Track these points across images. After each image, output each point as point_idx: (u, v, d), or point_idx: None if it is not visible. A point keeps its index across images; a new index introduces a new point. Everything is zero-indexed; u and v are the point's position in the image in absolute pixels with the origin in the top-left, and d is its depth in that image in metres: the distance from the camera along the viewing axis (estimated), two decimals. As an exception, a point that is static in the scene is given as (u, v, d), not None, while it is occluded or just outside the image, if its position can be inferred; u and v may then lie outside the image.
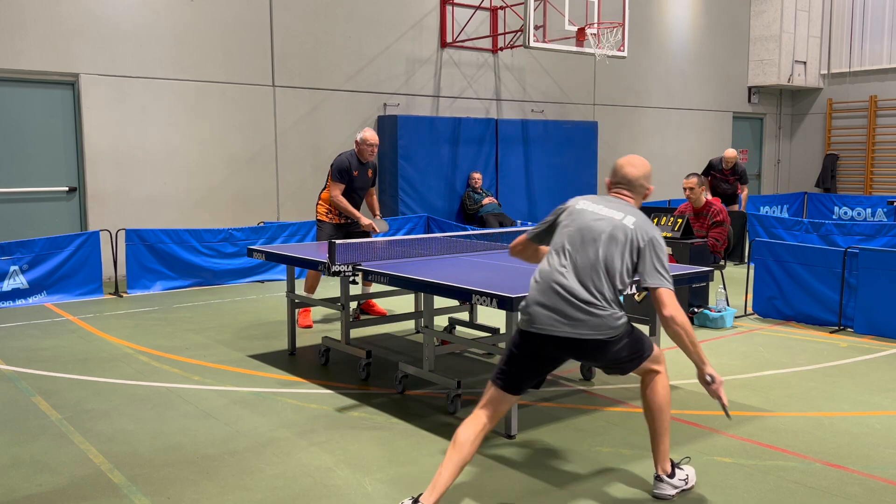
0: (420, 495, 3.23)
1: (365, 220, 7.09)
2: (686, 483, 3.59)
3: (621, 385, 5.29)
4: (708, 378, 3.30)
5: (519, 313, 3.52)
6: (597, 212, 3.46)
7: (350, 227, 7.20)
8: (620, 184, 3.60)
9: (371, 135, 7.08)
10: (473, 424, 3.36)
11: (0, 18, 8.94)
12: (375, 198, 7.54)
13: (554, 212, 3.63)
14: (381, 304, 7.77)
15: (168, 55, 10.05)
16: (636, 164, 3.62)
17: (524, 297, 3.64)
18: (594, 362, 3.54)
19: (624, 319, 3.41)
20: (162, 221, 10.04)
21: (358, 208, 7.30)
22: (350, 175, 7.09)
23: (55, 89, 9.52)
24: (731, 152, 11.50)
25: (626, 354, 3.43)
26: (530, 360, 3.41)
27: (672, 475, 3.55)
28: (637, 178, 3.58)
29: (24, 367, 5.78)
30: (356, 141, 7.13)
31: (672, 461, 3.60)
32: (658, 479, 3.56)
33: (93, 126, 9.61)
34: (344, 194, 7.14)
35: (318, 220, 7.26)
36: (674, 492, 3.54)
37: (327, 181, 7.19)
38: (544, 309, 3.33)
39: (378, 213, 7.51)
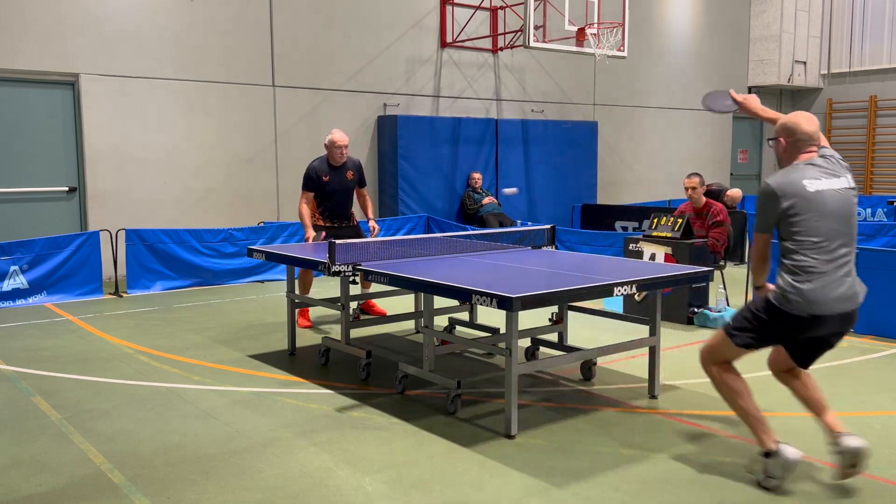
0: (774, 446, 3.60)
1: (310, 233, 6.93)
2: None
3: (621, 385, 5.28)
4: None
5: (797, 301, 3.47)
6: (831, 188, 3.53)
7: (338, 230, 7.15)
8: (810, 141, 3.61)
9: (339, 136, 6.95)
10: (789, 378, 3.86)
11: (0, 18, 8.95)
12: (368, 199, 7.41)
13: (771, 202, 3.50)
14: (381, 305, 7.76)
15: (168, 55, 10.05)
16: (810, 119, 3.67)
17: (522, 296, 3.61)
18: (845, 332, 3.69)
19: None
20: (162, 221, 10.04)
21: (345, 212, 7.19)
22: (318, 182, 6.98)
23: (55, 89, 9.52)
24: (736, 192, 9.68)
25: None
26: (810, 339, 3.65)
27: None
28: (816, 131, 3.66)
29: (24, 367, 5.78)
30: (325, 144, 7.05)
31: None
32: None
33: (93, 126, 9.61)
34: (321, 200, 7.07)
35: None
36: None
37: None
38: (840, 300, 3.48)
39: (371, 216, 7.36)
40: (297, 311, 6.88)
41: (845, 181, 3.56)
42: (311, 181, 6.99)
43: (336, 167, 7.05)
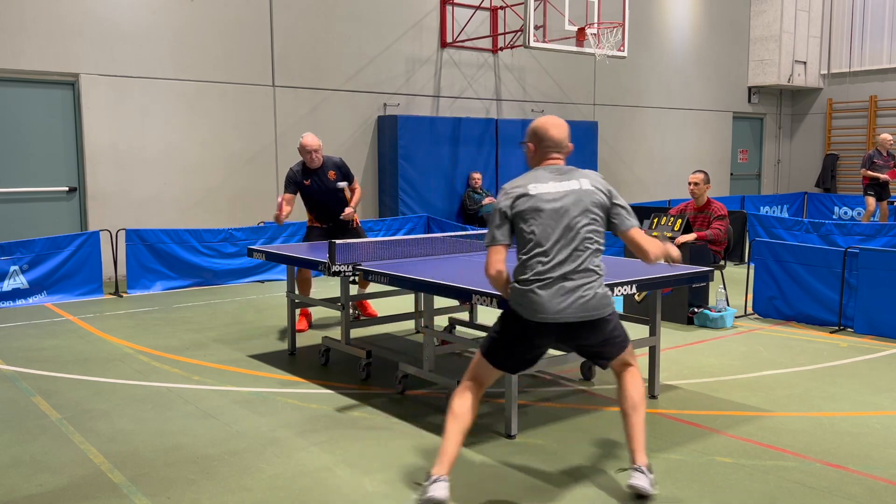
0: (431, 469, 3.36)
1: (279, 212, 6.75)
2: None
3: (621, 385, 5.28)
4: None
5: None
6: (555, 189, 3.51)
7: (336, 230, 7.13)
8: (556, 148, 3.59)
9: (308, 140, 6.81)
10: None
11: (0, 18, 8.94)
12: (356, 192, 7.23)
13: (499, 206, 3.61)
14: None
15: (168, 55, 10.05)
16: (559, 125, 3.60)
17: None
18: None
19: None
20: (162, 221, 10.05)
21: (336, 211, 7.03)
22: (298, 185, 6.92)
23: (55, 89, 9.52)
24: (887, 136, 12.39)
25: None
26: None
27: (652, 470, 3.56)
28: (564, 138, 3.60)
29: (24, 367, 5.78)
30: (298, 149, 6.96)
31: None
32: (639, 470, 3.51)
33: (93, 126, 9.61)
34: (307, 204, 7.04)
35: (307, 225, 7.24)
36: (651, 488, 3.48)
37: None
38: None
39: (352, 205, 7.12)
40: (298, 312, 6.87)
41: (576, 184, 3.47)
42: (290, 184, 6.94)
43: (314, 169, 6.95)
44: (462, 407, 3.46)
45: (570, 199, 3.43)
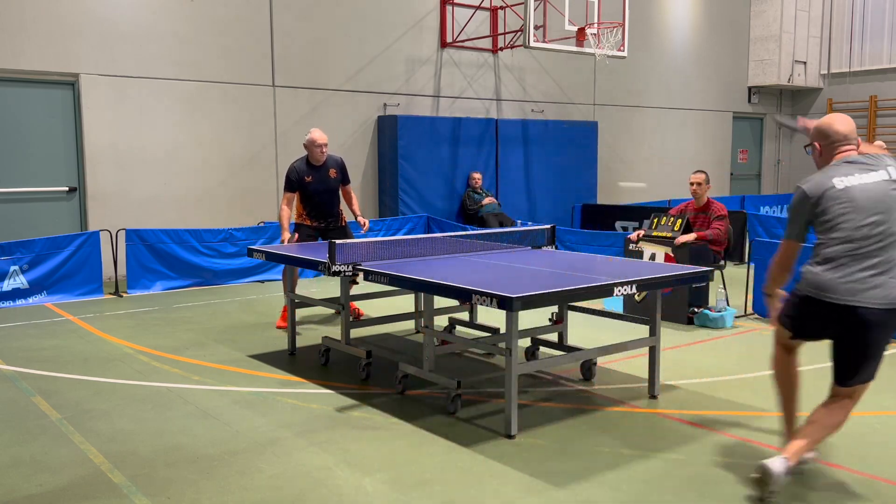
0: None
1: (285, 236, 6.90)
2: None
3: (621, 385, 5.28)
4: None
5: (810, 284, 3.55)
6: (862, 182, 3.44)
7: (325, 230, 7.13)
8: (845, 141, 3.57)
9: (318, 135, 6.88)
10: None
11: (0, 18, 8.94)
12: (353, 196, 7.30)
13: (801, 207, 3.56)
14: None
15: (168, 55, 10.05)
16: (844, 120, 3.66)
17: (522, 296, 3.62)
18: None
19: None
20: (162, 221, 10.04)
21: (330, 211, 7.10)
22: (299, 182, 6.93)
23: (55, 89, 9.52)
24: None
25: None
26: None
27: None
28: (851, 131, 3.60)
29: (24, 367, 5.78)
30: (304, 144, 6.99)
31: None
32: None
33: (93, 126, 9.61)
34: (305, 201, 7.02)
35: (295, 223, 7.24)
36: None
37: None
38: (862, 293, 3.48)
39: (357, 212, 7.21)
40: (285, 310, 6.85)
41: (884, 174, 3.44)
42: (291, 182, 6.95)
43: (317, 167, 6.99)
44: (786, 371, 3.71)
45: (880, 190, 3.37)
